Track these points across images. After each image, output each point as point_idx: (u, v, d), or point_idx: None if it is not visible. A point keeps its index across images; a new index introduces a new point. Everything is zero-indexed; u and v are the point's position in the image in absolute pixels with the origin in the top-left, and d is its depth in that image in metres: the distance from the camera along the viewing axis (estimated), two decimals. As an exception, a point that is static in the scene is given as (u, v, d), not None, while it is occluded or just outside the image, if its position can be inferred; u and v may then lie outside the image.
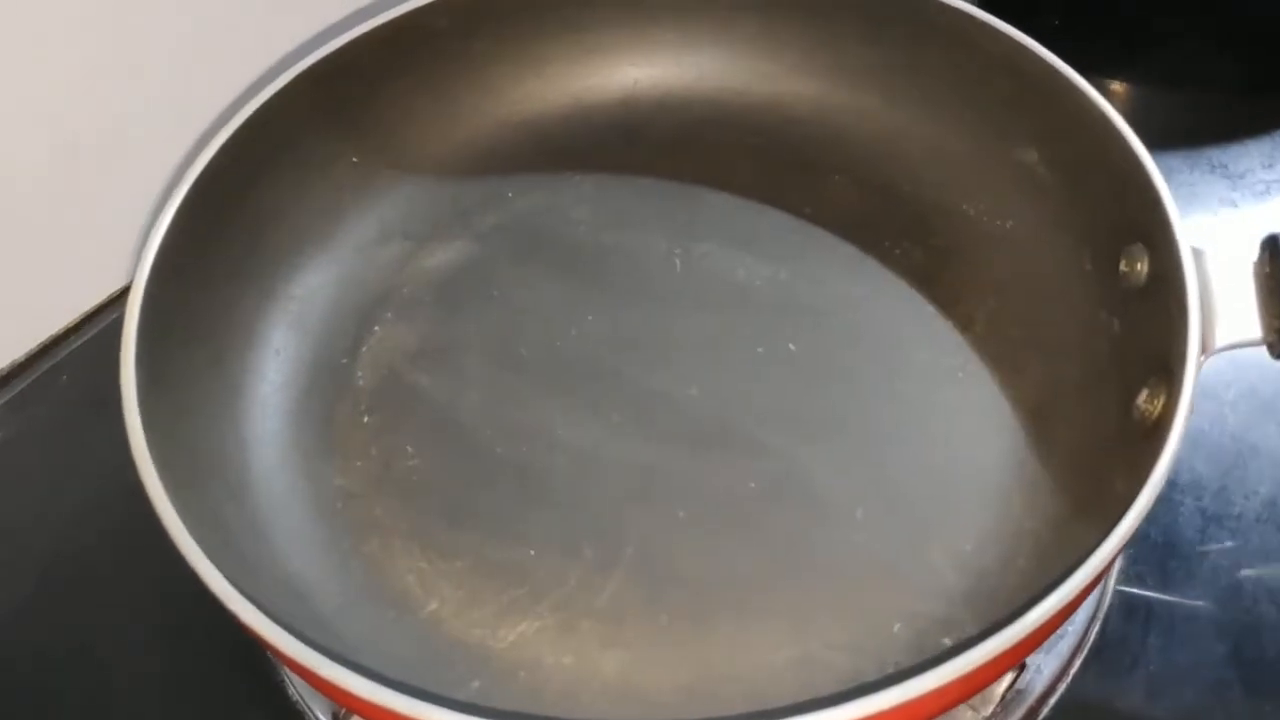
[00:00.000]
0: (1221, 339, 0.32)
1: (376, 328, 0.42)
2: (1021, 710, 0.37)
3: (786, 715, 0.26)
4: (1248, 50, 0.56)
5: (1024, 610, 0.28)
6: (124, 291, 0.49)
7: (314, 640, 0.28)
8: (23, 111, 0.43)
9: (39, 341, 0.48)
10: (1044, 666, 0.37)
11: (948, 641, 0.33)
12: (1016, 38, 0.40)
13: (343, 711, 0.36)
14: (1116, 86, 0.55)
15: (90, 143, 0.45)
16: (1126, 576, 0.40)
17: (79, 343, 0.48)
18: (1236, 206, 0.50)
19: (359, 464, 0.38)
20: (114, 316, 0.49)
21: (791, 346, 0.40)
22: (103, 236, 0.48)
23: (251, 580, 0.31)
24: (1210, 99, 0.55)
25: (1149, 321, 0.35)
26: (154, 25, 0.45)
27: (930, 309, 0.41)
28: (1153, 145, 0.36)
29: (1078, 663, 0.38)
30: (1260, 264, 0.33)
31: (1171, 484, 0.41)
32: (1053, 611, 0.28)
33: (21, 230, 0.45)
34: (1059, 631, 0.37)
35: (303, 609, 0.34)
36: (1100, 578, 0.30)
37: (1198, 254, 0.33)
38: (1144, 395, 0.34)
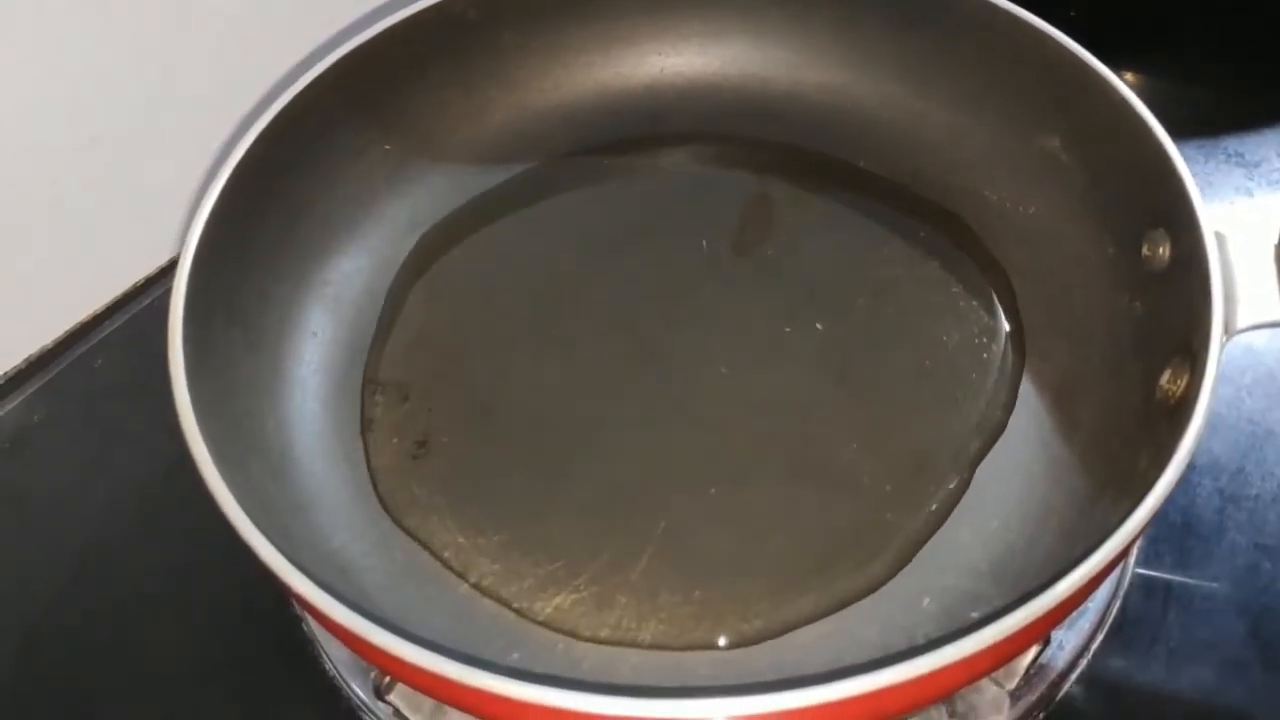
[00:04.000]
0: (1243, 320, 0.33)
1: (410, 310, 0.42)
2: (1044, 684, 0.37)
3: (819, 683, 0.27)
4: (1263, 40, 0.57)
5: (1050, 584, 0.29)
6: (154, 277, 0.50)
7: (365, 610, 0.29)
8: (58, 100, 0.44)
9: (72, 324, 0.48)
10: (1066, 642, 0.38)
11: (975, 615, 0.34)
12: (1038, 25, 0.41)
13: (385, 682, 0.37)
14: (1132, 77, 0.55)
15: (122, 131, 0.46)
16: (1146, 556, 0.40)
17: (113, 327, 0.49)
18: (1252, 195, 0.50)
19: (395, 442, 0.39)
20: (148, 300, 0.50)
21: (819, 326, 0.41)
22: (134, 223, 0.48)
23: (295, 555, 0.31)
24: (1226, 88, 0.55)
25: (1171, 304, 0.35)
26: (192, 15, 0.46)
27: (955, 292, 0.42)
28: (1169, 134, 0.37)
29: (1099, 639, 0.38)
30: (1281, 247, 0.34)
31: (1190, 466, 0.41)
32: (1079, 585, 0.29)
33: (54, 216, 0.46)
34: (1081, 609, 0.38)
35: (345, 584, 0.34)
36: (1125, 553, 0.31)
37: (1220, 238, 0.34)
38: (1167, 376, 0.35)
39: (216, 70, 0.48)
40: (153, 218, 0.48)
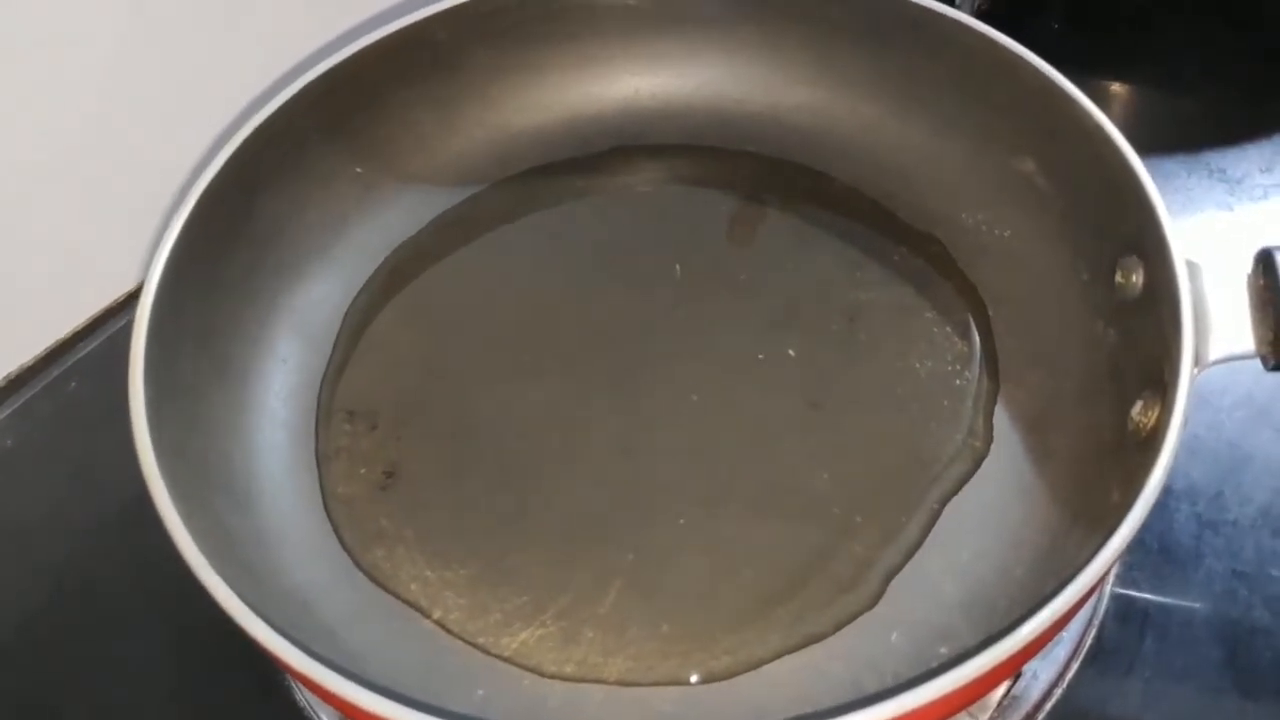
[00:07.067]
0: (1215, 352, 0.32)
1: (380, 335, 0.42)
2: (1018, 716, 0.37)
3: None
4: (1247, 55, 0.56)
5: (1020, 622, 0.28)
6: (130, 296, 0.50)
7: (318, 652, 0.28)
8: (32, 119, 0.43)
9: (46, 346, 0.48)
10: (1040, 672, 0.38)
11: (944, 650, 0.33)
12: (1013, 48, 0.40)
13: (348, 720, 0.37)
14: (1117, 90, 0.55)
15: (97, 149, 0.46)
16: (1123, 583, 0.40)
17: (87, 349, 0.49)
18: (1234, 211, 0.50)
19: (363, 472, 0.39)
20: (122, 322, 0.49)
21: (791, 353, 0.41)
22: (109, 242, 0.48)
23: (257, 591, 0.31)
24: (1209, 103, 0.55)
25: (1144, 333, 0.35)
26: (161, 39, 0.45)
27: (929, 317, 0.41)
28: (1151, 149, 0.37)
29: (1074, 668, 0.38)
30: (1254, 277, 0.33)
31: (1168, 490, 0.41)
32: (1049, 623, 0.29)
33: (29, 235, 0.45)
34: (1054, 639, 0.37)
35: (308, 619, 0.34)
36: (1095, 588, 0.30)
37: (1192, 267, 0.33)
38: (1139, 407, 0.34)
39: (189, 96, 0.47)
40: (128, 237, 0.48)
